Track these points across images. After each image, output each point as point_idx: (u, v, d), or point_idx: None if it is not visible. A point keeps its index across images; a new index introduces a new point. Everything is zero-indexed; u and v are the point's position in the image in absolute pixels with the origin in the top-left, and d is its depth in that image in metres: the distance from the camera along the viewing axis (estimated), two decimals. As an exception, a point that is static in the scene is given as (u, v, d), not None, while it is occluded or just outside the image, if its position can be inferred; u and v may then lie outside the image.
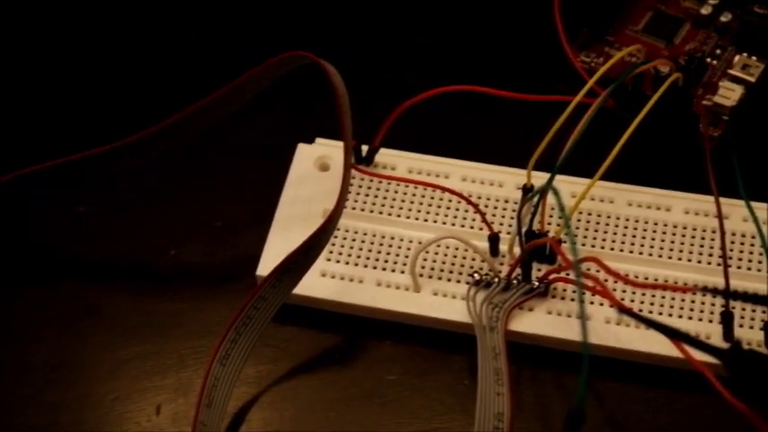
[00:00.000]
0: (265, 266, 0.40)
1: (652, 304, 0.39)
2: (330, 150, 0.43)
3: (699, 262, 0.40)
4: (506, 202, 0.41)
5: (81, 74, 0.47)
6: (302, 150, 0.43)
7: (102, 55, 0.48)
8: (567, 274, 0.39)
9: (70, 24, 0.49)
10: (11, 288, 0.42)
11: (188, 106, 0.40)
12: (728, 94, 0.43)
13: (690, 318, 0.39)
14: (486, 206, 0.41)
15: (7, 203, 0.42)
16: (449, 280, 0.40)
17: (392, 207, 0.41)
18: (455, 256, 0.40)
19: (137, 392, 0.39)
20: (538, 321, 0.39)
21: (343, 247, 0.41)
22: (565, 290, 0.39)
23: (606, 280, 0.38)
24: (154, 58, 0.48)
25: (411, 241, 0.41)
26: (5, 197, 0.41)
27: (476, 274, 0.39)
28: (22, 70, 0.48)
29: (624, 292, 0.39)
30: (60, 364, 0.40)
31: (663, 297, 0.39)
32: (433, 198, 0.42)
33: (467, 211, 0.41)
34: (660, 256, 0.40)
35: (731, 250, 0.40)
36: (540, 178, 0.39)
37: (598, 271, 0.38)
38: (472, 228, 0.41)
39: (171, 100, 0.41)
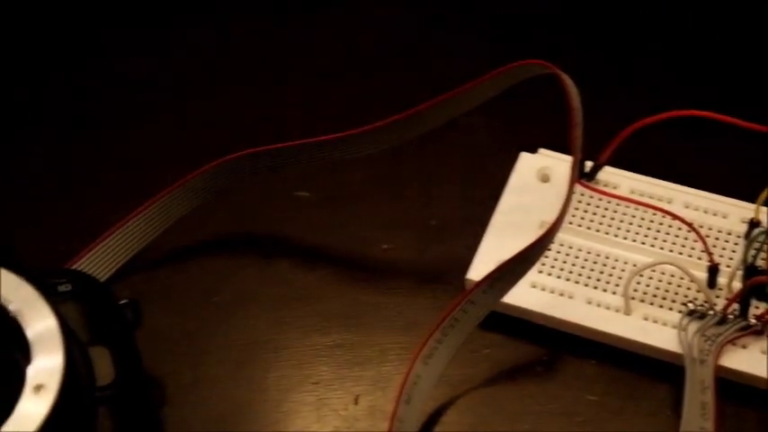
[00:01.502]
0: (476, 271, 0.40)
1: None
2: (552, 162, 0.42)
3: None
4: (729, 234, 0.40)
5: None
6: (525, 159, 0.43)
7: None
8: (788, 316, 0.37)
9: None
10: (226, 264, 0.42)
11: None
12: None
13: None
14: (708, 236, 0.40)
15: (233, 180, 0.43)
16: (661, 306, 0.39)
17: (610, 226, 0.41)
18: (670, 283, 0.40)
19: (337, 380, 0.40)
20: (751, 360, 0.38)
21: (556, 260, 0.40)
22: (783, 331, 0.38)
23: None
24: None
25: (626, 263, 0.40)
26: (233, 174, 0.42)
27: (690, 304, 0.39)
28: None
29: None
30: (264, 344, 0.40)
31: None
32: (652, 222, 0.41)
33: (686, 238, 0.40)
34: None
35: None
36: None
37: (820, 316, 0.37)
38: (690, 256, 0.40)
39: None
